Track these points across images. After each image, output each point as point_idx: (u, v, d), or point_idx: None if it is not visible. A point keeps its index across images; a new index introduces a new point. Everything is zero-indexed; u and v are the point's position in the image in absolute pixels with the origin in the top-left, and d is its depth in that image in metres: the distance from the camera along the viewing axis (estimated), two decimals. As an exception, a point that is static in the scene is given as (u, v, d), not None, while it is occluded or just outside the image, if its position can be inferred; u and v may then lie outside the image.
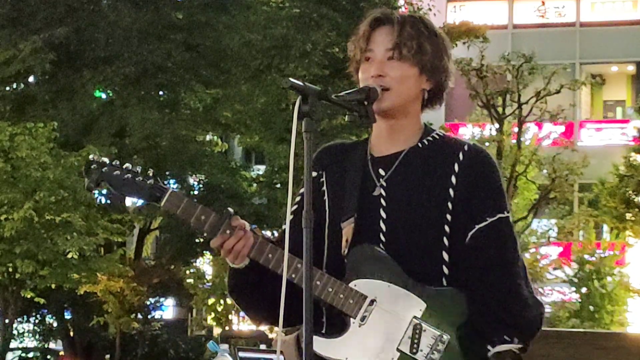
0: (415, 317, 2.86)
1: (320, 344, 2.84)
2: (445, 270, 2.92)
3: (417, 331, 2.85)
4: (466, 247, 2.92)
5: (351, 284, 2.89)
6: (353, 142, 3.15)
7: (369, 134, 3.10)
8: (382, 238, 2.93)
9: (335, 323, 2.92)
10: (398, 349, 2.85)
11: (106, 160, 2.96)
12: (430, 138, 3.03)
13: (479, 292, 2.90)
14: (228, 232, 2.88)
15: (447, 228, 2.93)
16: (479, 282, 2.90)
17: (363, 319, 2.87)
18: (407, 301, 2.87)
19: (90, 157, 2.97)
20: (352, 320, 2.87)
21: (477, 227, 2.92)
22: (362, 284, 2.88)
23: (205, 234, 2.91)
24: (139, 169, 2.96)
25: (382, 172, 3.00)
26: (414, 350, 2.85)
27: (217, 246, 2.91)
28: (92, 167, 2.95)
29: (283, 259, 2.84)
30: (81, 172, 18.57)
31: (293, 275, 2.85)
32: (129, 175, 2.93)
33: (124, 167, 2.94)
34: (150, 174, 2.94)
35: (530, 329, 2.93)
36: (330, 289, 2.87)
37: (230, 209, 2.92)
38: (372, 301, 2.87)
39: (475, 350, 2.88)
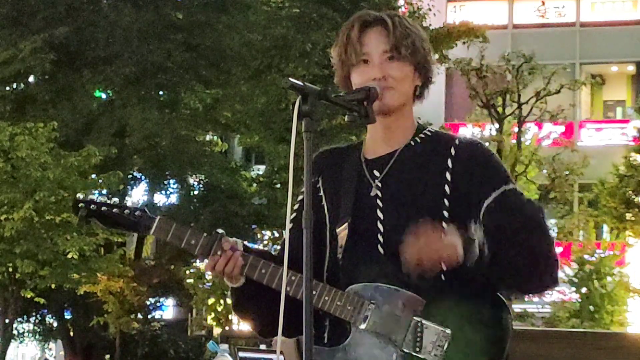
0: (415, 315, 2.86)
1: (323, 354, 2.86)
2: (443, 266, 2.90)
3: (419, 330, 2.85)
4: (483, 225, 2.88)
5: (348, 290, 2.88)
6: (347, 146, 3.16)
7: (358, 136, 3.11)
8: (380, 239, 2.93)
9: (338, 329, 2.92)
10: (401, 350, 2.85)
11: (93, 197, 3.02)
12: (422, 135, 3.05)
13: (499, 256, 2.84)
14: (219, 253, 2.91)
15: (444, 224, 2.91)
16: (498, 249, 2.85)
17: (363, 324, 2.86)
18: (406, 301, 2.86)
19: (78, 195, 3.06)
20: (352, 326, 2.87)
21: (485, 204, 2.90)
22: (359, 289, 2.88)
23: (197, 257, 2.97)
24: (121, 204, 3.03)
25: (376, 173, 3.01)
26: (417, 349, 2.85)
27: (209, 269, 2.94)
28: (80, 205, 3.00)
29: (277, 273, 2.88)
30: (81, 172, 18.58)
31: (288, 288, 2.85)
32: (116, 210, 2.99)
33: (111, 202, 3.01)
34: (138, 206, 3.00)
35: (546, 285, 2.99)
36: (327, 297, 2.87)
37: (220, 230, 2.97)
38: (371, 305, 2.86)
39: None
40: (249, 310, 3.06)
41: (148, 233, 2.98)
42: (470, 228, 2.86)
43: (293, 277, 2.86)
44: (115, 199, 3.04)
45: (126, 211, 2.99)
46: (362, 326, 2.86)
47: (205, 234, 2.95)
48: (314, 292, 2.86)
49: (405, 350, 2.85)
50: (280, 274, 2.87)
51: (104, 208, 3.00)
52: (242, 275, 2.94)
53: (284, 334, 2.78)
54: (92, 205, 3.00)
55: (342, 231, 2.95)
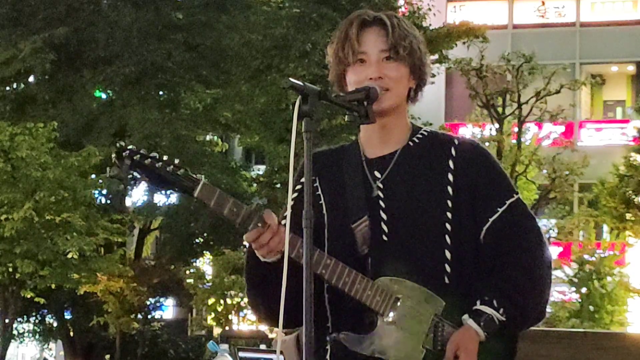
0: (435, 314, 2.90)
1: (350, 340, 2.88)
2: (448, 268, 2.94)
3: (439, 328, 2.90)
4: (483, 241, 2.96)
5: (376, 281, 2.90)
6: (339, 146, 3.15)
7: (357, 136, 3.11)
8: (385, 239, 2.94)
9: (343, 321, 2.93)
10: (423, 346, 2.89)
11: (136, 147, 2.84)
12: (419, 136, 3.06)
13: (496, 271, 2.94)
14: (260, 225, 2.83)
15: (448, 226, 2.95)
16: (498, 265, 2.94)
17: (390, 316, 2.89)
18: (428, 299, 2.90)
19: (119, 144, 2.82)
20: (379, 317, 2.89)
21: (490, 220, 2.96)
22: (386, 282, 2.90)
23: (237, 227, 2.86)
24: (165, 157, 2.86)
25: (377, 174, 3.01)
26: (438, 347, 2.89)
27: (251, 240, 2.85)
28: (124, 154, 2.82)
29: (315, 253, 2.83)
30: (81, 172, 18.56)
31: (324, 271, 2.85)
32: (160, 164, 2.83)
33: (153, 155, 2.84)
34: (179, 164, 2.84)
35: (527, 312, 2.95)
36: (359, 286, 2.88)
37: (261, 202, 2.89)
38: (397, 299, 2.89)
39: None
40: (270, 289, 2.91)
41: (191, 194, 2.83)
42: (482, 231, 2.95)
43: (329, 261, 2.86)
44: (155, 154, 2.82)
45: (170, 167, 2.82)
46: (389, 318, 2.88)
47: (246, 206, 2.86)
48: (347, 279, 2.86)
49: (427, 347, 2.89)
50: (317, 255, 2.85)
51: (147, 160, 2.82)
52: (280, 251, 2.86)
53: (290, 323, 2.80)
54: (136, 156, 2.82)
55: (363, 227, 2.95)
